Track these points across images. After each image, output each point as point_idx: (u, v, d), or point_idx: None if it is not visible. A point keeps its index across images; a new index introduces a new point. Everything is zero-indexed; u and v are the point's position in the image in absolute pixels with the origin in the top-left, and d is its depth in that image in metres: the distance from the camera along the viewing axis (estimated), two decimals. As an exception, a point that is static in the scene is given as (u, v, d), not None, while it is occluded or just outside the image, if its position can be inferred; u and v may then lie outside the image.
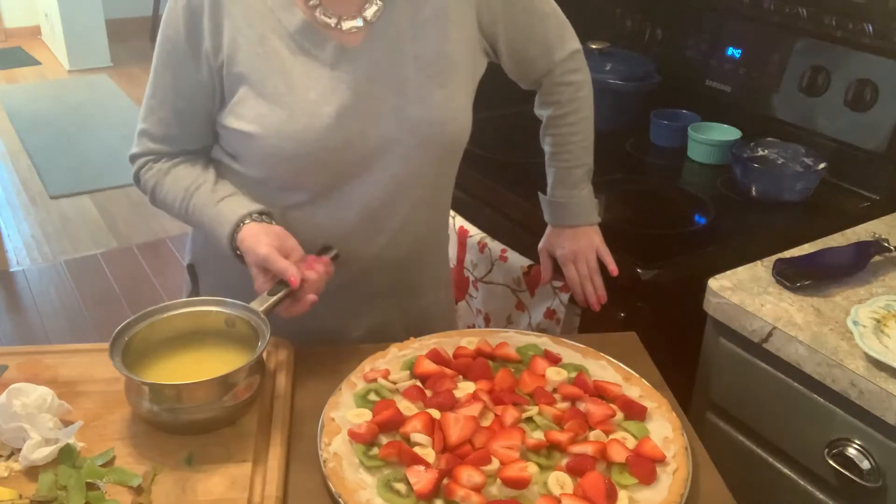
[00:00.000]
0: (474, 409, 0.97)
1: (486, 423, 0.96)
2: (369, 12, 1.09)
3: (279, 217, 1.15)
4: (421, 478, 0.86)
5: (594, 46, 1.90)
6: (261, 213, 1.11)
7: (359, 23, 1.09)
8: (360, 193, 1.13)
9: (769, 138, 1.62)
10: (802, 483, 1.17)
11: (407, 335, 1.13)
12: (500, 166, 1.72)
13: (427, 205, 1.21)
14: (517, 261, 1.54)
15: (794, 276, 1.22)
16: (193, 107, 1.12)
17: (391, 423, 0.94)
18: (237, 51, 1.07)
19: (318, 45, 1.08)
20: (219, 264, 1.24)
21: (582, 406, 1.00)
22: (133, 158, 1.18)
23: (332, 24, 1.08)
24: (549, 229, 1.39)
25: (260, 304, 1.04)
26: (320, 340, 1.17)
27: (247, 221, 1.09)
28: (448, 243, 1.38)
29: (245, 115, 1.08)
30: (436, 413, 0.96)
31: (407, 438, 0.93)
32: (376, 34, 1.09)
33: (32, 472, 0.90)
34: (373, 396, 1.01)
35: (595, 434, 0.96)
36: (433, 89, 1.11)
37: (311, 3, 1.08)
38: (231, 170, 1.16)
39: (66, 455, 0.91)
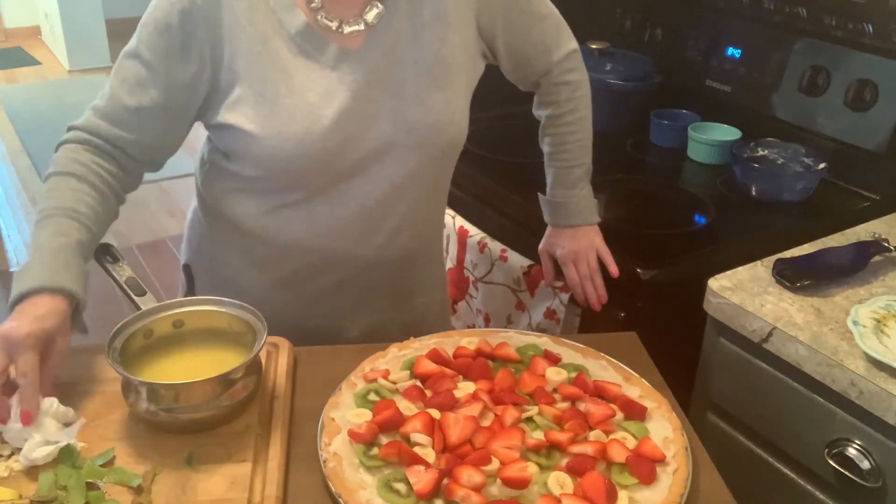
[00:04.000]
0: (474, 409, 0.97)
1: (486, 423, 0.96)
2: (371, 15, 1.09)
3: (273, 217, 1.14)
4: (421, 478, 0.86)
5: (594, 46, 1.90)
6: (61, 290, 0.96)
7: (360, 26, 1.09)
8: (357, 193, 1.13)
9: (769, 138, 1.62)
10: (802, 483, 1.17)
11: (402, 335, 1.13)
12: (500, 166, 1.72)
13: (423, 206, 1.22)
14: (517, 261, 1.54)
15: (794, 276, 1.22)
16: (162, 103, 1.07)
17: (391, 423, 0.94)
18: (238, 48, 1.06)
19: (318, 48, 1.08)
20: (215, 265, 1.24)
21: (582, 406, 1.00)
22: (69, 129, 1.10)
23: (334, 28, 1.08)
24: (548, 230, 1.39)
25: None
26: (315, 340, 1.17)
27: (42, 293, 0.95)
28: (443, 244, 1.38)
29: (245, 114, 1.07)
30: (436, 413, 0.96)
31: (407, 438, 0.93)
32: (376, 37, 1.09)
33: (32, 472, 0.90)
34: (373, 396, 1.00)
35: (595, 434, 0.96)
36: (431, 92, 1.11)
37: (313, 6, 1.07)
38: (226, 170, 1.16)
39: (66, 455, 0.91)
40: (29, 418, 0.91)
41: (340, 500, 0.86)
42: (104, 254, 1.12)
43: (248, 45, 1.06)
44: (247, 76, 1.07)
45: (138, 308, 1.04)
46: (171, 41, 1.06)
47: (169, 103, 1.08)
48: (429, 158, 1.15)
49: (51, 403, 0.95)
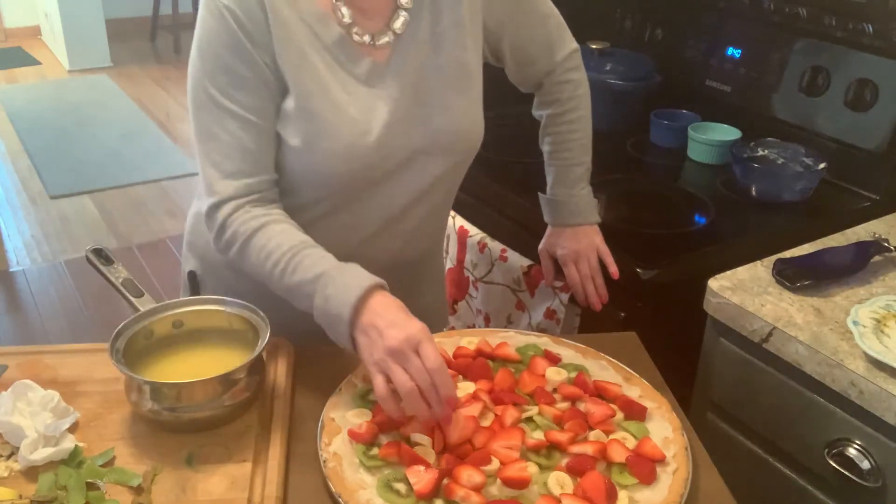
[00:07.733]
0: (474, 409, 0.97)
1: (486, 423, 0.96)
2: (398, 24, 1.09)
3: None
4: (421, 478, 0.86)
5: (594, 46, 1.90)
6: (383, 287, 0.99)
7: (390, 37, 1.09)
8: (382, 202, 1.14)
9: (769, 138, 1.62)
10: (802, 483, 1.17)
11: None
12: (500, 166, 1.72)
13: (438, 209, 1.23)
14: (517, 261, 1.54)
15: (794, 276, 1.22)
16: (262, 116, 1.04)
17: (391, 423, 0.94)
18: (285, 60, 1.04)
19: (353, 60, 1.07)
20: (227, 272, 1.23)
21: (582, 406, 1.00)
22: (214, 208, 1.05)
23: (367, 42, 1.07)
24: (549, 230, 1.39)
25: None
26: (320, 341, 1.17)
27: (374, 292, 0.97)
28: (444, 244, 1.38)
29: (288, 127, 1.06)
30: (436, 413, 0.96)
31: (407, 438, 0.93)
32: (402, 48, 1.10)
33: (32, 472, 0.90)
34: (373, 396, 1.00)
35: (595, 434, 0.96)
36: (454, 98, 1.12)
37: (345, 21, 1.06)
38: None
39: (73, 457, 0.91)
40: (455, 403, 0.92)
41: (340, 500, 0.86)
42: (97, 257, 1.12)
43: (289, 57, 1.04)
44: (293, 88, 1.05)
45: (137, 309, 1.04)
46: (242, 59, 1.02)
47: (269, 114, 1.06)
48: (452, 163, 1.16)
49: (52, 398, 0.96)
